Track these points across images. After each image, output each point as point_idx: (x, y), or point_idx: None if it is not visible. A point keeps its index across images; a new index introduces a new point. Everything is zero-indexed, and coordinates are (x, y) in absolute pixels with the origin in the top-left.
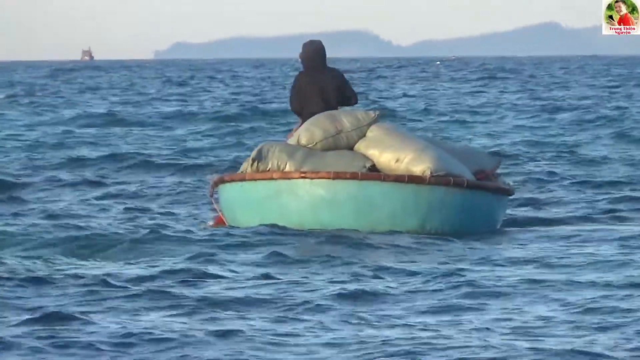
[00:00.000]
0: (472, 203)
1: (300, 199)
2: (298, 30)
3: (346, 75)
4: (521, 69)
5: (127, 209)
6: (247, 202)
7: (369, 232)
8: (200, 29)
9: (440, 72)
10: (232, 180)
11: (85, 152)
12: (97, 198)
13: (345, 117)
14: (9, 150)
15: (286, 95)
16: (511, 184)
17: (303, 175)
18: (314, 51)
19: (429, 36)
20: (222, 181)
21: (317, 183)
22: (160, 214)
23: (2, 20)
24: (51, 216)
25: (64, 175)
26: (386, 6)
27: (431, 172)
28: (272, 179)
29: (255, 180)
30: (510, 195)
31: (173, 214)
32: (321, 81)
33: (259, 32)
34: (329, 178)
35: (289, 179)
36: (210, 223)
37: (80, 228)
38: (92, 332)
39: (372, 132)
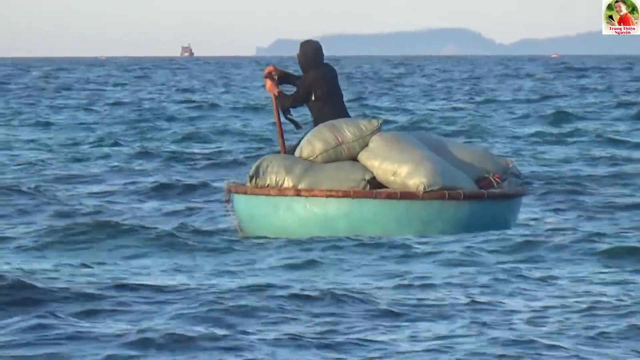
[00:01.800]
0: (472, 213)
1: (296, 215)
2: (400, 28)
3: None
4: None
5: None
6: (250, 215)
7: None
8: (302, 26)
9: None
10: (237, 192)
11: None
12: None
13: (348, 128)
14: None
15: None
16: (522, 184)
17: (297, 193)
18: (317, 49)
19: (531, 35)
20: (231, 190)
21: (312, 201)
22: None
23: (101, 16)
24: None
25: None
26: (489, 4)
27: (424, 187)
28: (269, 195)
29: (255, 195)
30: (519, 197)
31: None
32: (333, 72)
33: (361, 30)
34: (322, 196)
35: (285, 195)
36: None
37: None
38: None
39: (374, 142)
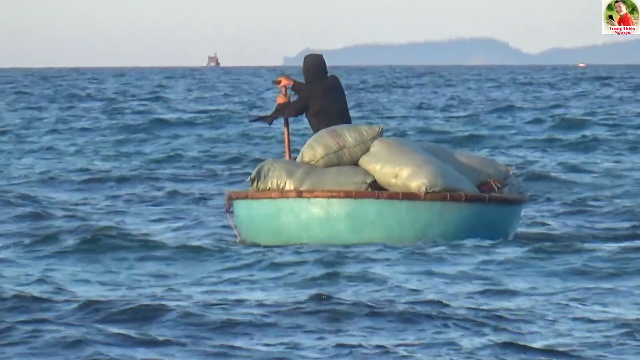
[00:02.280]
0: (473, 216)
1: (298, 217)
2: (427, 37)
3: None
4: None
5: None
6: (252, 220)
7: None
8: (330, 35)
9: None
10: (238, 198)
11: None
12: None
13: (349, 133)
14: None
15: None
16: (524, 192)
17: (299, 194)
18: (319, 62)
19: (558, 44)
20: (232, 198)
21: (314, 202)
22: None
23: (129, 26)
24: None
25: None
26: (516, 13)
27: (426, 188)
28: (271, 198)
29: (256, 199)
30: (520, 204)
31: None
32: (335, 85)
33: (388, 40)
34: (324, 197)
35: (286, 197)
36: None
37: None
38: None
39: (375, 147)
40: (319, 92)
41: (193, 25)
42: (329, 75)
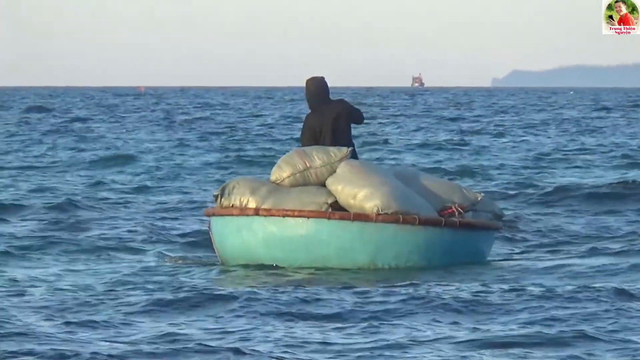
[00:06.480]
0: (429, 240)
1: (256, 235)
2: (636, 59)
3: None
4: None
5: None
6: (219, 235)
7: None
8: (539, 57)
9: None
10: (208, 215)
11: None
12: None
13: (317, 154)
14: None
15: None
16: (494, 218)
17: (257, 212)
18: (317, 87)
19: None
20: (208, 214)
21: (270, 220)
22: None
23: (328, 43)
24: None
25: None
26: None
27: (378, 210)
28: (232, 215)
29: (220, 215)
30: (484, 229)
31: None
32: (332, 112)
33: (595, 61)
34: (279, 216)
35: (246, 215)
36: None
37: None
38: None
39: (340, 168)
40: (305, 125)
41: (395, 44)
42: (332, 99)
